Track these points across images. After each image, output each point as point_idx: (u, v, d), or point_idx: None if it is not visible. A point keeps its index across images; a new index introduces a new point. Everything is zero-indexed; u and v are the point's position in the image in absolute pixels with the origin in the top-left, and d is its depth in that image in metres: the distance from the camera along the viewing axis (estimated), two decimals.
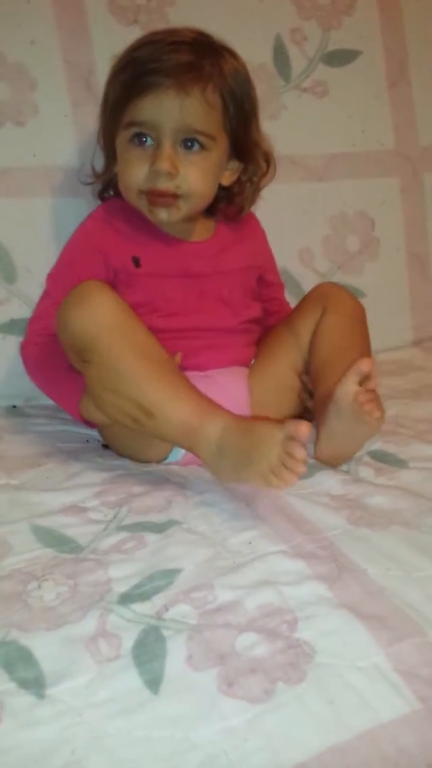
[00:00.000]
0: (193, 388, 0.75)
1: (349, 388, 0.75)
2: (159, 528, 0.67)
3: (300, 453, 0.65)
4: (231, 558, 0.63)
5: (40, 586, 0.59)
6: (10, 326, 0.97)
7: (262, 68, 1.08)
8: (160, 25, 1.01)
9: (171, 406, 0.72)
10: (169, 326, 0.86)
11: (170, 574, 0.61)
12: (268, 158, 0.91)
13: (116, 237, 0.87)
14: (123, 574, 0.61)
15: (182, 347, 0.85)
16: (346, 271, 1.17)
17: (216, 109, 0.81)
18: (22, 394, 0.98)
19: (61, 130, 0.97)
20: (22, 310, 0.97)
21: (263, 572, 0.61)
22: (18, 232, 0.96)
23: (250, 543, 0.65)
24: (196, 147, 0.81)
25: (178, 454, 0.82)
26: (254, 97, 0.87)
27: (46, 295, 0.90)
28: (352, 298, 0.92)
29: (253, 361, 0.94)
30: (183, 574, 0.61)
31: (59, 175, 0.97)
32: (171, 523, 0.68)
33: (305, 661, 0.53)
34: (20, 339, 0.96)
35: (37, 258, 0.96)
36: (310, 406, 0.88)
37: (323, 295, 0.92)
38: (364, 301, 1.15)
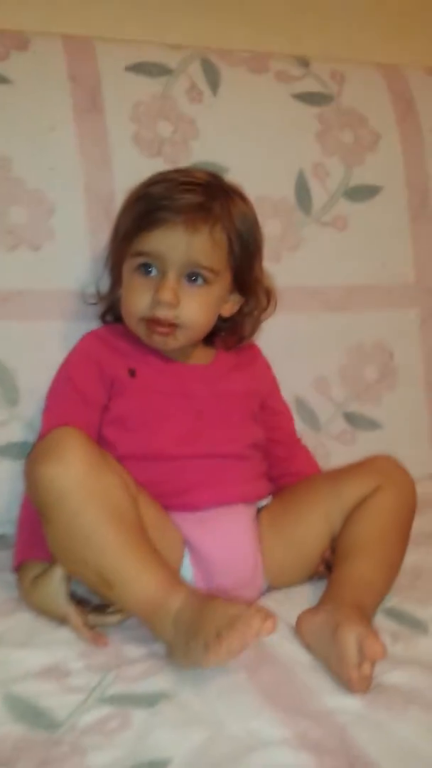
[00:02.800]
0: (160, 560, 0.71)
1: (351, 660, 0.65)
2: (147, 702, 0.60)
3: (235, 642, 0.60)
4: (227, 744, 0.56)
5: None
6: (6, 449, 0.93)
7: (283, 202, 1.08)
8: (183, 157, 1.02)
9: (132, 581, 0.69)
10: (165, 452, 0.83)
11: (157, 767, 0.53)
12: (269, 294, 0.93)
13: (113, 353, 0.88)
14: (102, 762, 0.53)
15: (178, 481, 0.82)
16: (364, 400, 1.13)
17: (222, 247, 0.84)
18: (11, 520, 0.92)
19: (77, 256, 0.96)
20: (21, 433, 0.93)
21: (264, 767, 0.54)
22: (25, 354, 0.94)
23: (249, 727, 0.58)
24: (200, 281, 0.83)
25: None
26: (259, 238, 0.89)
27: (46, 410, 0.88)
28: (412, 486, 0.86)
29: (270, 499, 0.90)
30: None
31: (71, 299, 0.96)
32: (161, 696, 0.61)
33: None
34: (15, 462, 0.92)
35: (42, 380, 0.92)
36: (324, 574, 0.84)
37: (383, 472, 0.86)
38: (381, 433, 1.15)
